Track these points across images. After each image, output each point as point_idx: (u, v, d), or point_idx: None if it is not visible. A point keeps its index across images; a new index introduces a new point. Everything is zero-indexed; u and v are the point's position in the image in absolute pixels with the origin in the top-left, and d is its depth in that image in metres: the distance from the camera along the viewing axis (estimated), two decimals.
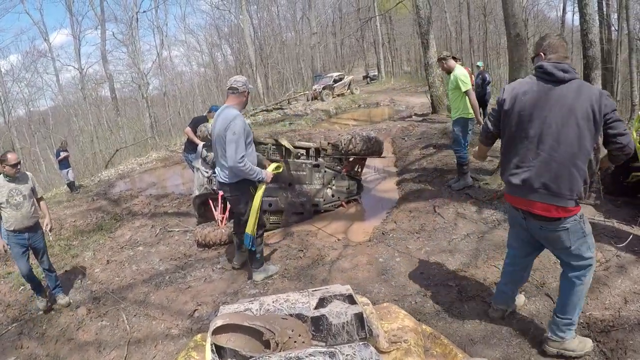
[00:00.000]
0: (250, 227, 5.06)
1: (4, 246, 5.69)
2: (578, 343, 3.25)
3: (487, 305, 4.06)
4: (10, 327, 5.87)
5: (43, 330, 5.69)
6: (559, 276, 3.82)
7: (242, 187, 4.99)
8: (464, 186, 7.24)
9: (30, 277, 5.90)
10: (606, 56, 17.67)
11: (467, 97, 6.84)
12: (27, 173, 5.93)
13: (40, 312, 6.02)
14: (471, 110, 6.94)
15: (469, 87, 6.91)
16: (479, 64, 15.48)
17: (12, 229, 5.57)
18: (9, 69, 49.41)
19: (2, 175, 5.60)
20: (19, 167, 5.61)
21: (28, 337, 5.58)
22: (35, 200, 5.85)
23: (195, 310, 5.26)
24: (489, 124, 3.31)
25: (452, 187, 7.36)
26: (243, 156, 4.70)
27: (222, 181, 5.07)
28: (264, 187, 5.07)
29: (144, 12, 38.33)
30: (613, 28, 20.64)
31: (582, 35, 9.78)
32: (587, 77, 7.87)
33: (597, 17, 8.96)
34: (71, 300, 6.27)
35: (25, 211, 5.62)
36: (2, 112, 35.76)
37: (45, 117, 46.39)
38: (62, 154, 14.72)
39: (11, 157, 5.53)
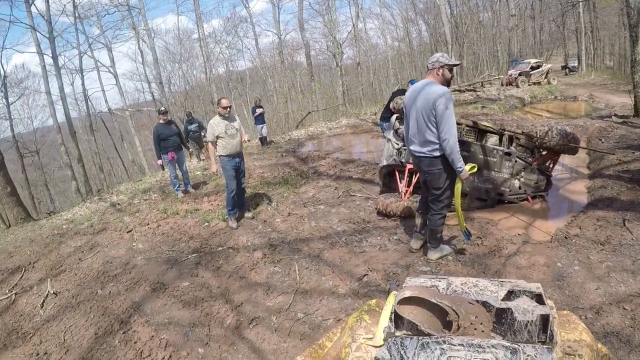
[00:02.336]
0: (460, 222, 5.24)
1: (217, 169, 7.89)
2: None
3: None
4: (190, 257, 6.64)
5: (219, 264, 6.29)
6: None
7: (447, 161, 4.93)
8: None
9: (238, 194, 7.70)
10: None
11: None
12: (235, 115, 7.61)
13: (235, 229, 7.42)
14: None
15: None
16: None
17: (227, 153, 7.42)
18: (211, 32, 53.89)
19: (218, 115, 7.48)
20: (229, 109, 7.48)
21: (204, 268, 6.22)
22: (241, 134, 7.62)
23: (365, 275, 5.44)
24: None
25: None
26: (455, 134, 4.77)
27: (422, 155, 5.04)
28: (460, 183, 5.06)
29: None
30: None
31: None
32: None
33: None
34: (254, 215, 7.75)
35: (237, 140, 7.50)
36: (205, 70, 38.91)
37: (242, 77, 50.01)
38: (258, 110, 15.78)
39: (224, 102, 7.52)
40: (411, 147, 5.22)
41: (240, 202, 7.97)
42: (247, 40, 74.11)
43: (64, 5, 28.53)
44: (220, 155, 7.44)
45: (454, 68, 5.17)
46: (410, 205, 7.01)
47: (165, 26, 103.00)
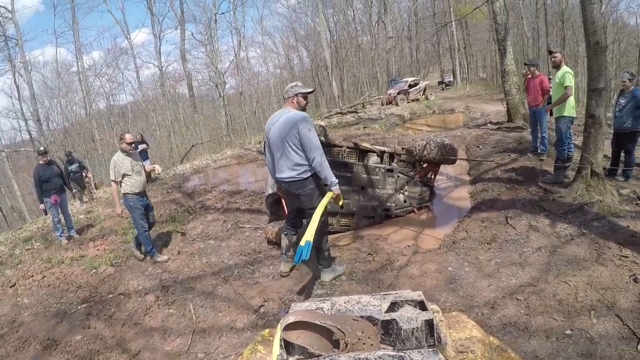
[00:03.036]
0: (310, 235, 4.81)
1: (122, 211, 7.28)
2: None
3: (555, 321, 4.04)
4: (80, 307, 6.17)
5: (111, 313, 5.93)
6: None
7: (317, 181, 5.14)
8: (554, 182, 7.62)
9: (146, 234, 7.31)
10: None
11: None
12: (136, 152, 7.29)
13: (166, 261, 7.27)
14: (573, 109, 7.69)
15: (571, 85, 7.62)
16: None
17: (136, 191, 7.04)
18: (92, 64, 52.26)
19: (120, 152, 7.01)
20: (133, 145, 7.08)
21: (96, 318, 5.83)
22: None
23: (261, 306, 5.37)
24: None
25: (542, 181, 7.69)
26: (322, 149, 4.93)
27: (292, 179, 5.12)
28: (329, 196, 5.06)
29: (222, 13, 39.34)
30: None
31: None
32: None
33: None
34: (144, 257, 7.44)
35: (144, 177, 7.19)
36: (84, 105, 37.76)
37: (124, 111, 48.80)
38: (141, 147, 15.28)
39: (128, 137, 7.05)
40: (278, 175, 5.29)
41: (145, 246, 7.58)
42: (128, 72, 72.49)
43: None
44: (126, 194, 7.04)
45: (308, 95, 5.31)
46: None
47: (43, 58, 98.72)
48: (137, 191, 7.04)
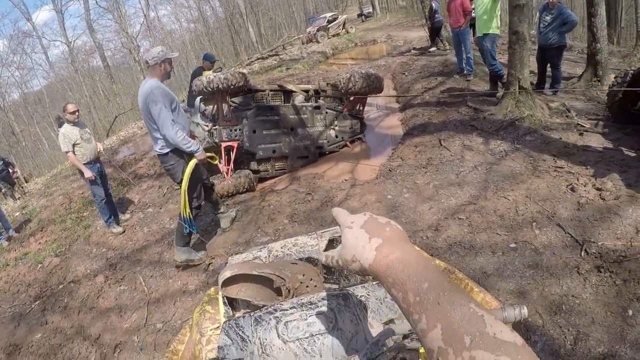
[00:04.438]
0: (183, 208, 4.99)
1: (92, 175, 6.90)
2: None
3: (499, 236, 4.07)
4: (33, 306, 5.99)
5: (65, 303, 5.78)
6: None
7: (176, 155, 4.94)
8: (492, 94, 7.95)
9: (108, 200, 7.22)
10: None
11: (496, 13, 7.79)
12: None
13: (120, 233, 7.18)
14: (498, 28, 7.94)
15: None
16: None
17: (88, 160, 6.84)
18: None
19: (66, 123, 6.78)
20: (77, 113, 6.81)
21: (52, 312, 5.67)
22: None
23: (209, 264, 5.32)
24: None
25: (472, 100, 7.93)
26: (172, 121, 4.71)
27: (157, 153, 5.04)
28: (194, 162, 4.96)
29: None
30: None
31: None
32: (591, 3, 7.67)
33: None
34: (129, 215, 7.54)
35: (94, 144, 6.98)
36: None
37: (40, 97, 46.34)
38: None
39: (70, 106, 6.82)
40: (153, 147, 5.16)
41: (112, 207, 7.43)
42: (37, 55, 68.41)
43: None
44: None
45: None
46: (235, 182, 6.87)
47: None
48: (89, 159, 6.84)
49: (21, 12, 46.95)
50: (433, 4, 14.05)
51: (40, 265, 7.11)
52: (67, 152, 6.77)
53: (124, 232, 7.20)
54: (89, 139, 6.90)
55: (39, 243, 8.30)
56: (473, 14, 8.75)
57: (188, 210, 4.98)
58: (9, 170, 13.38)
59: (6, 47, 61.46)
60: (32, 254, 7.76)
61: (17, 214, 11.19)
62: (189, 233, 5.19)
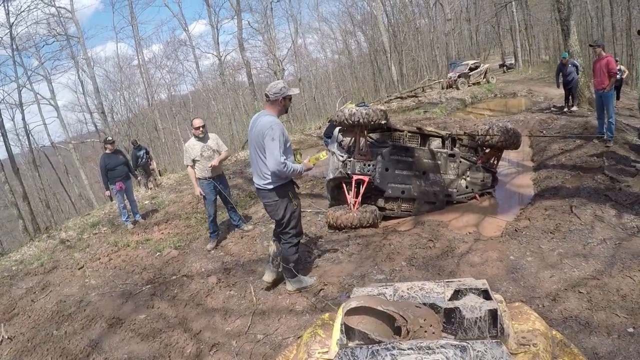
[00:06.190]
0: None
1: (200, 192, 7.40)
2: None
3: (618, 318, 3.93)
4: (144, 288, 6.49)
5: (174, 293, 6.18)
6: None
7: (280, 193, 5.03)
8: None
9: (214, 219, 7.57)
10: None
11: None
12: (210, 134, 7.42)
13: (209, 250, 7.39)
14: None
15: None
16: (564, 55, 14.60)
17: (204, 176, 7.28)
18: (152, 57, 53.59)
19: (193, 137, 7.31)
20: (202, 129, 7.19)
21: (160, 299, 6.09)
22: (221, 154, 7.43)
23: (321, 290, 5.41)
24: None
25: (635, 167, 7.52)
26: (285, 160, 4.79)
27: (259, 187, 5.14)
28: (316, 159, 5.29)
29: (278, 1, 39.00)
30: None
31: None
32: None
33: None
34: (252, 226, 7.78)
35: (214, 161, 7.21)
36: (147, 96, 38.74)
37: (185, 101, 49.76)
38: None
39: (197, 122, 7.27)
40: (253, 179, 5.28)
41: (232, 220, 8.12)
42: (188, 63, 73.69)
43: (1, 38, 27.52)
44: (198, 179, 7.31)
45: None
46: (361, 215, 7.04)
47: (104, 54, 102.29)
48: (206, 176, 7.25)
49: (179, 22, 50.57)
50: (570, 62, 13.70)
51: (158, 254, 7.72)
52: (187, 166, 7.37)
53: (215, 248, 7.57)
54: (210, 156, 7.22)
55: (162, 233, 8.96)
56: (619, 76, 8.40)
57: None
58: (148, 161, 14.50)
59: (162, 52, 66.56)
60: (154, 241, 8.43)
61: (147, 202, 12.16)
62: (295, 266, 5.45)
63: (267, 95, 4.94)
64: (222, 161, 7.49)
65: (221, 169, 7.58)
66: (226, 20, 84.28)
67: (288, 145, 4.96)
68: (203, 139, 7.27)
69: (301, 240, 5.67)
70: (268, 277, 5.61)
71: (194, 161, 7.21)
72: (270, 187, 4.97)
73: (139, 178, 13.68)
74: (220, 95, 42.76)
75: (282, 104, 4.98)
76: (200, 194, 7.40)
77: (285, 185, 5.05)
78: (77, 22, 31.81)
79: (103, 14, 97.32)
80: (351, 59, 51.81)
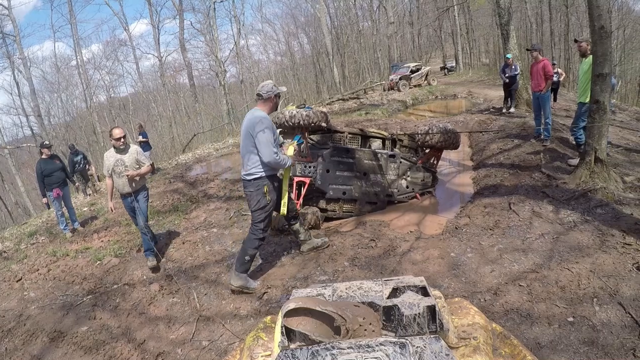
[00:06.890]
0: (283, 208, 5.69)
1: (112, 207, 7.01)
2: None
3: (557, 308, 4.03)
4: (85, 299, 6.20)
5: (116, 303, 5.96)
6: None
7: (257, 185, 5.26)
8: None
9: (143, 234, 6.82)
10: None
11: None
12: (132, 147, 6.77)
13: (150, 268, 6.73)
14: None
15: None
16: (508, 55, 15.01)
17: (121, 192, 6.73)
18: (91, 57, 52.28)
19: (112, 148, 6.63)
20: (122, 140, 6.54)
21: (102, 309, 5.85)
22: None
23: (264, 293, 5.38)
24: None
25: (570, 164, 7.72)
26: (276, 152, 5.14)
27: (243, 178, 5.43)
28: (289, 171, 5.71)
29: (221, 1, 38.41)
30: None
31: None
32: None
33: None
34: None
35: (124, 180, 6.55)
36: (85, 98, 37.72)
37: (125, 103, 48.33)
38: (143, 138, 15.41)
39: (116, 132, 6.54)
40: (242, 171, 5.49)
41: (149, 242, 6.81)
42: (128, 64, 72.59)
43: None
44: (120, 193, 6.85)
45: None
46: (302, 217, 6.99)
47: (42, 54, 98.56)
48: (121, 192, 6.77)
49: (120, 21, 49.47)
50: (514, 65, 14.14)
51: (98, 262, 7.40)
52: (106, 177, 6.85)
53: (156, 266, 6.79)
54: (120, 172, 6.51)
55: (102, 241, 8.66)
56: (555, 79, 8.64)
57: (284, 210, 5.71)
58: (86, 166, 14.11)
59: (101, 52, 65.18)
60: (93, 250, 8.10)
61: (86, 209, 11.79)
62: (250, 261, 5.48)
63: (259, 95, 5.28)
64: (142, 175, 6.77)
65: (142, 182, 6.92)
66: (168, 20, 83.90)
67: (275, 138, 5.25)
68: (123, 151, 6.59)
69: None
70: (305, 247, 6.22)
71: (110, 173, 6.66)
72: (249, 178, 5.26)
73: (76, 184, 13.25)
74: (161, 97, 42.09)
75: (274, 101, 5.35)
76: (112, 210, 7.05)
77: (263, 179, 5.25)
78: (13, 19, 30.69)
79: (41, 11, 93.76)
80: (294, 61, 51.94)
